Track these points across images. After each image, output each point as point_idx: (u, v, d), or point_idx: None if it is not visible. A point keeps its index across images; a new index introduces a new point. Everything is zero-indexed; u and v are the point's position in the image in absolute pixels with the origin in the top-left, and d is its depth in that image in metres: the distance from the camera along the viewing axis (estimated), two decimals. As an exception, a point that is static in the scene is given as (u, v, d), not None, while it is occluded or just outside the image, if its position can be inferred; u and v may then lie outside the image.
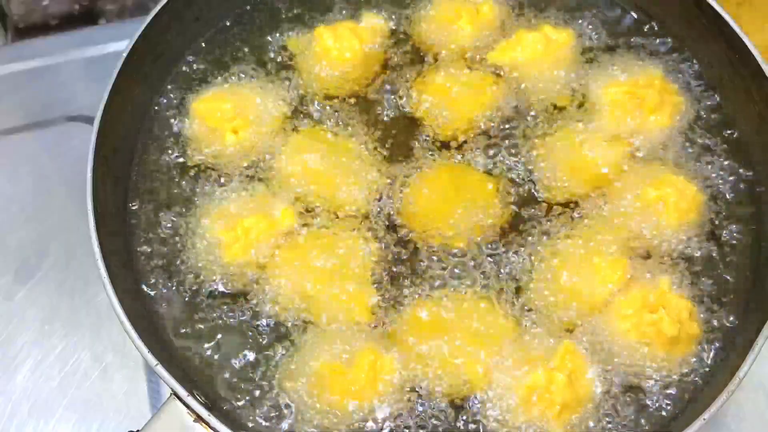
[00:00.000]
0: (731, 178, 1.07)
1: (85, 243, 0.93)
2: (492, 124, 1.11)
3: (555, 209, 1.05)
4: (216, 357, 0.97)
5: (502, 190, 1.06)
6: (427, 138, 1.10)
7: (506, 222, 1.04)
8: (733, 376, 0.87)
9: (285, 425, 0.93)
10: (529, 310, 0.98)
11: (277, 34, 1.19)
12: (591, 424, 0.92)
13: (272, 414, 0.93)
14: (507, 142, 1.10)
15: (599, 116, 1.10)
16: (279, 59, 1.17)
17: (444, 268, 1.01)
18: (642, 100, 1.08)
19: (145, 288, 1.01)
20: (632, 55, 1.16)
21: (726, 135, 1.10)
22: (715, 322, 0.98)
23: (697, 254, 1.02)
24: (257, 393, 0.95)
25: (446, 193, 1.04)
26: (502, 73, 1.14)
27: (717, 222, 1.04)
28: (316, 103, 1.13)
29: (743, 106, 1.09)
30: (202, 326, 0.99)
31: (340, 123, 1.11)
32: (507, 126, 1.11)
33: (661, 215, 1.01)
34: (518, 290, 0.99)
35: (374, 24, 1.17)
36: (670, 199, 1.01)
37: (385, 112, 1.12)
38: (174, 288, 1.01)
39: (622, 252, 1.00)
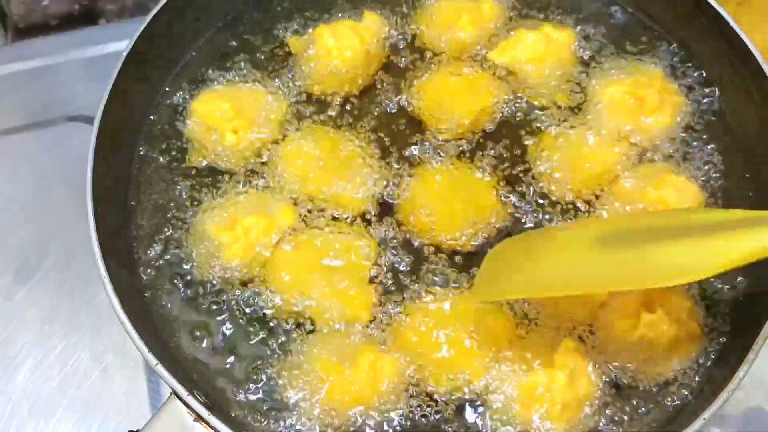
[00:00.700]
0: (732, 178, 1.07)
1: (85, 243, 0.93)
2: (492, 124, 1.11)
3: (555, 209, 1.05)
4: (216, 356, 0.97)
5: (502, 190, 1.06)
6: (428, 137, 1.10)
7: (506, 222, 1.04)
8: (733, 376, 0.87)
9: (285, 425, 0.93)
10: (530, 309, 0.97)
11: (277, 34, 1.19)
12: (591, 423, 0.92)
13: (272, 414, 0.93)
14: (507, 141, 1.10)
15: (599, 116, 1.10)
16: (279, 59, 1.17)
17: (444, 268, 1.01)
18: (642, 100, 1.08)
19: (145, 288, 1.01)
20: (632, 55, 1.16)
21: (726, 135, 1.10)
22: (715, 322, 0.98)
23: (698, 254, 1.02)
24: (257, 393, 0.95)
25: (446, 193, 1.05)
26: (502, 73, 1.14)
27: (717, 222, 1.04)
28: (316, 102, 1.13)
29: (743, 106, 1.09)
30: (202, 326, 0.99)
31: (340, 122, 1.11)
32: (507, 125, 1.11)
33: (662, 215, 1.01)
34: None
35: (375, 23, 1.17)
36: (670, 199, 1.00)
37: (385, 112, 1.12)
38: (174, 288, 1.01)
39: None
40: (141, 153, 1.10)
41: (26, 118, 1.35)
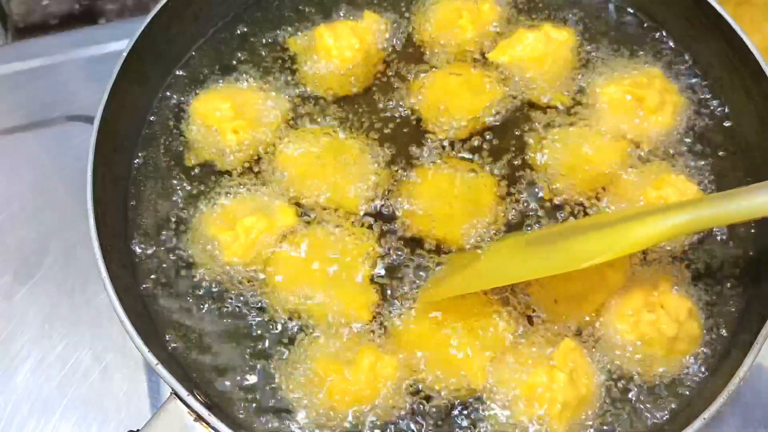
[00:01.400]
0: (731, 178, 1.07)
1: (85, 243, 0.93)
2: (492, 124, 1.11)
3: (555, 209, 1.05)
4: (216, 356, 0.97)
5: (502, 190, 1.06)
6: (428, 137, 1.10)
7: (507, 221, 1.04)
8: (733, 376, 0.87)
9: (285, 425, 0.93)
10: (530, 309, 0.98)
11: (278, 34, 1.19)
12: (591, 422, 0.92)
13: (272, 413, 0.93)
14: (507, 141, 1.10)
15: (599, 116, 1.10)
16: (279, 59, 1.17)
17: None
18: (642, 99, 1.08)
19: (145, 288, 1.01)
20: (632, 54, 1.16)
21: (726, 135, 1.11)
22: (715, 322, 0.98)
23: (697, 254, 1.02)
24: (257, 392, 0.95)
25: (447, 193, 1.04)
26: (502, 73, 1.14)
27: (717, 222, 1.04)
28: (316, 102, 1.13)
29: (743, 106, 1.09)
30: (202, 325, 0.99)
31: (341, 122, 1.11)
32: (507, 125, 1.11)
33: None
34: (519, 290, 0.99)
35: (375, 23, 1.17)
36: (670, 198, 1.01)
37: (385, 111, 1.12)
38: (174, 287, 1.01)
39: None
40: (141, 153, 1.10)
41: (26, 118, 1.35)
